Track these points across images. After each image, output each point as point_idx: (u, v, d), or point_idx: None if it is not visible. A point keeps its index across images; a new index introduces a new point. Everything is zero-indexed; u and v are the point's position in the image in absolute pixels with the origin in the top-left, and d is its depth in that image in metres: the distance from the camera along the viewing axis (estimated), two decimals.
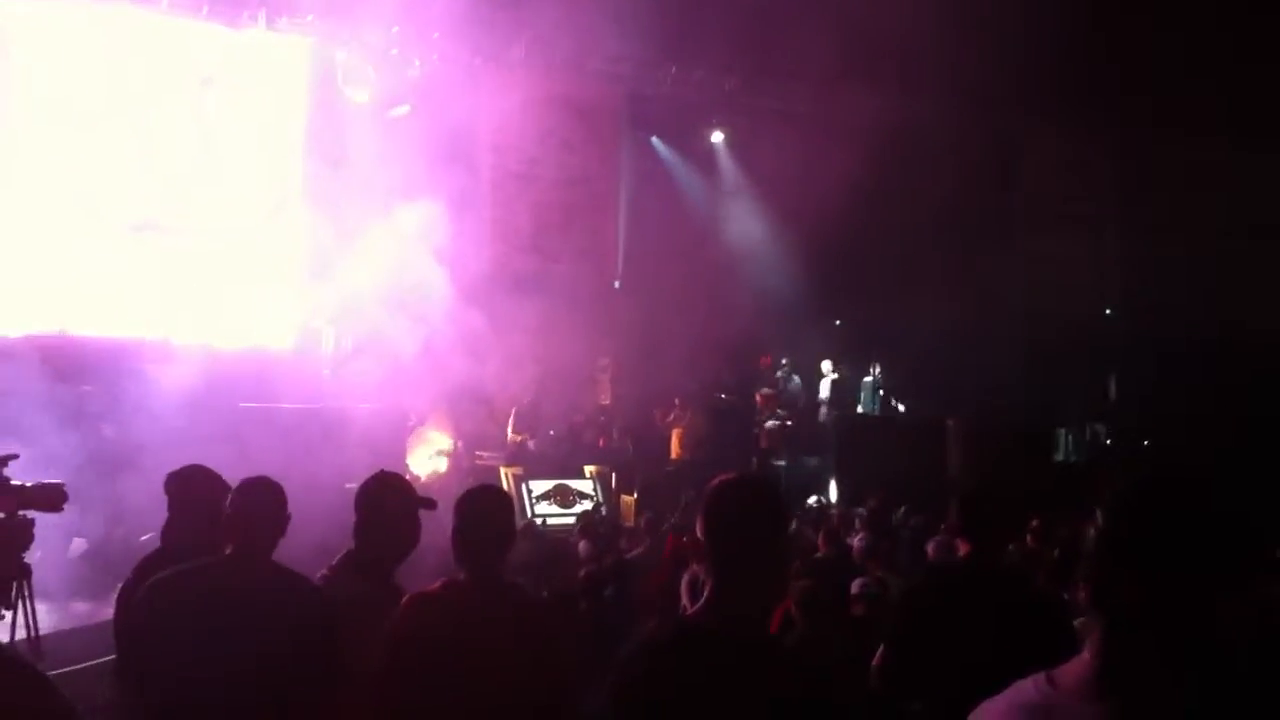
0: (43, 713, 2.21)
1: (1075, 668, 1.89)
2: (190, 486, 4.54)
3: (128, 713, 3.66)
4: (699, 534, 2.69)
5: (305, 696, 3.68)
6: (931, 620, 4.18)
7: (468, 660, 3.45)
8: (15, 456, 5.09)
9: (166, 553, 4.51)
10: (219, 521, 3.90)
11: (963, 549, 4.39)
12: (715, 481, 2.73)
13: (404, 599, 3.65)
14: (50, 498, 5.04)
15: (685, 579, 5.33)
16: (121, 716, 3.67)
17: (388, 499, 4.11)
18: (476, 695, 3.41)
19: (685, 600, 5.28)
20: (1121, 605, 1.85)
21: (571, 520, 13.26)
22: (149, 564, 4.53)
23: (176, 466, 4.50)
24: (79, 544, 9.04)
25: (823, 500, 15.12)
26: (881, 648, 4.42)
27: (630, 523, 13.49)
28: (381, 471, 4.24)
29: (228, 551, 3.84)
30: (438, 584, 3.65)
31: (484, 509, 3.75)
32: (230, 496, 3.93)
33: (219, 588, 3.72)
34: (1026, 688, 1.91)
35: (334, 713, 3.66)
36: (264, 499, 3.93)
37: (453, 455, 15.05)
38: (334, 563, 4.13)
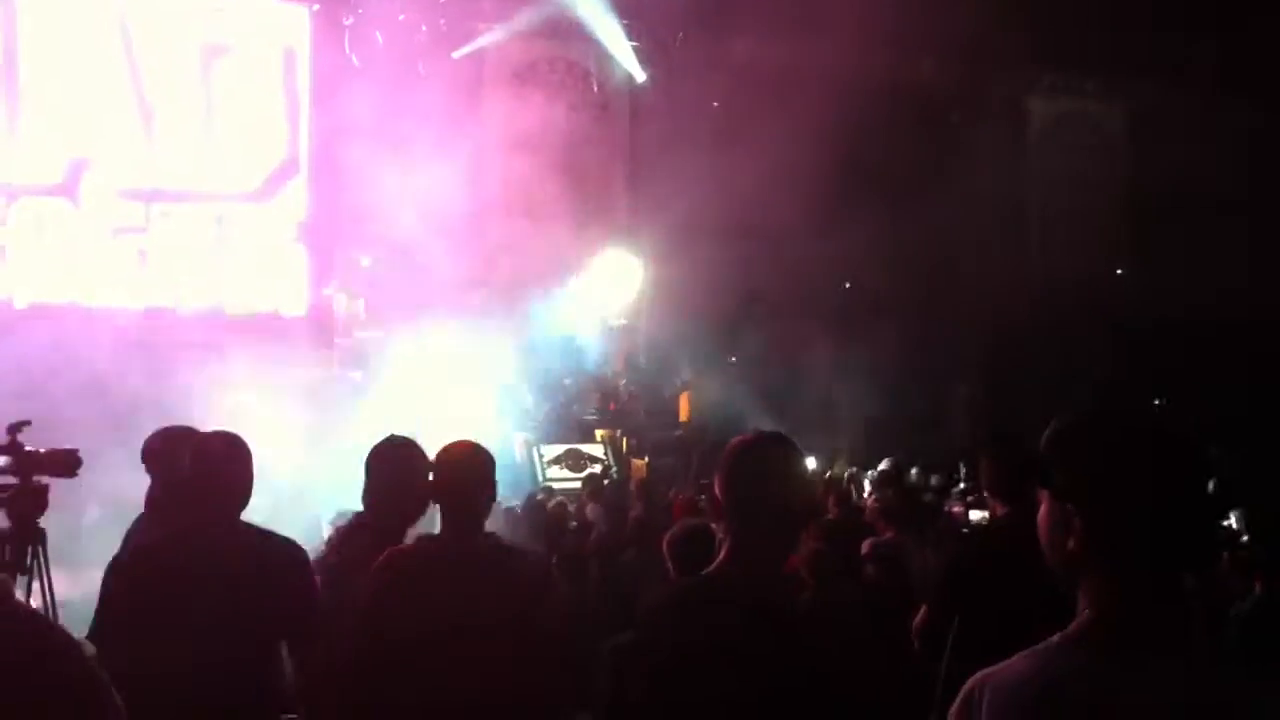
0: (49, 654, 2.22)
1: (1083, 630, 1.88)
2: (167, 450, 4.54)
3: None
4: (717, 492, 2.69)
5: (291, 655, 3.72)
6: (981, 581, 4.18)
7: (444, 611, 3.44)
8: (28, 423, 5.09)
9: (154, 519, 4.53)
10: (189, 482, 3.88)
11: (999, 510, 4.39)
12: (736, 440, 2.74)
13: (381, 555, 3.63)
14: (64, 463, 5.05)
15: (665, 539, 5.27)
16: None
17: (397, 463, 4.11)
18: (456, 645, 3.39)
19: (669, 562, 5.23)
20: (1127, 566, 1.85)
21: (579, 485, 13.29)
22: (135, 531, 4.55)
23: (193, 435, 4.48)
24: (93, 511, 9.07)
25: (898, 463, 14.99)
26: (924, 609, 4.43)
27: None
28: (391, 436, 4.23)
29: (197, 514, 3.80)
30: (415, 539, 3.65)
31: (461, 461, 3.72)
32: (189, 457, 3.90)
33: (198, 554, 3.72)
34: (1045, 653, 1.89)
35: (320, 673, 3.68)
36: (228, 455, 3.88)
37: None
38: (342, 526, 4.14)
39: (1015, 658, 1.91)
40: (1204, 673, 1.80)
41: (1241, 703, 1.77)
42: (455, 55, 16.21)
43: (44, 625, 2.31)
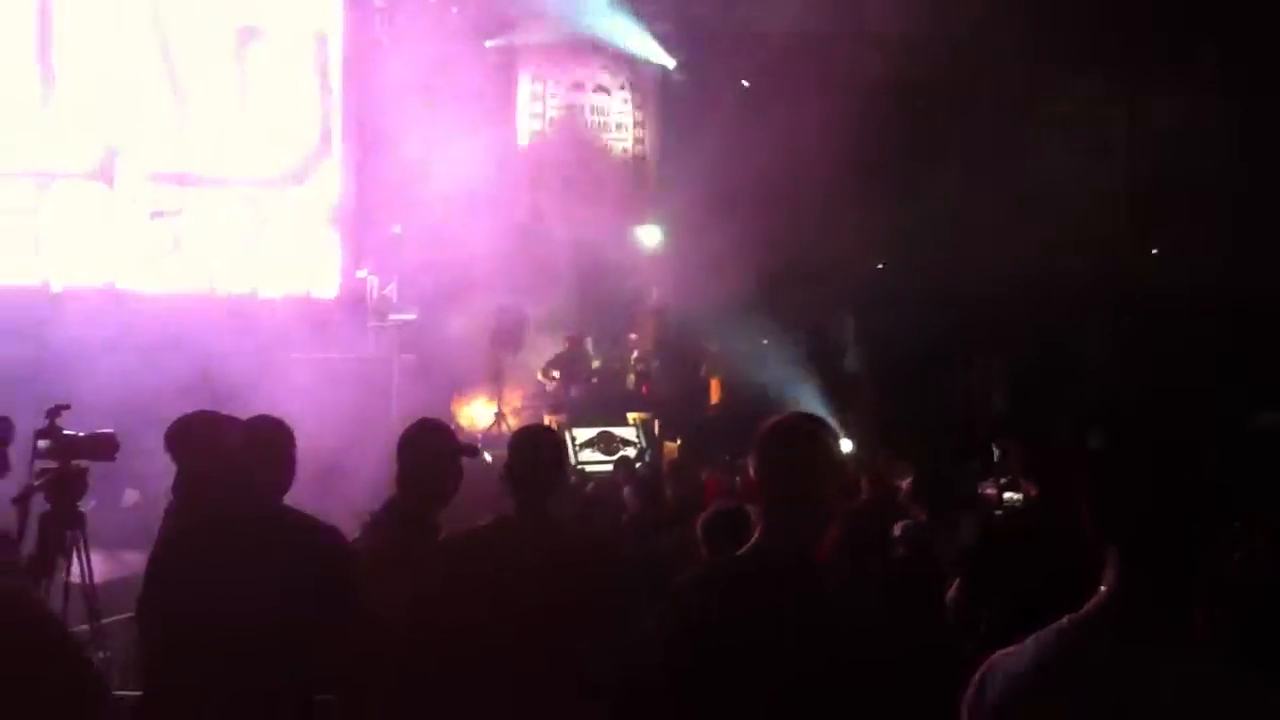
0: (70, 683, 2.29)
1: (1101, 608, 1.92)
2: (193, 434, 4.58)
3: (146, 657, 3.75)
4: (751, 473, 2.71)
5: (327, 638, 3.78)
6: (1003, 558, 4.26)
7: (510, 593, 3.49)
8: (67, 407, 5.17)
9: (180, 505, 4.58)
10: (229, 467, 3.93)
11: (1032, 491, 4.45)
12: (769, 421, 2.74)
13: (451, 533, 3.68)
14: (102, 447, 5.12)
15: (699, 521, 5.30)
16: (141, 659, 3.76)
17: (428, 446, 4.15)
18: (518, 626, 3.44)
19: (702, 543, 5.27)
20: (1146, 547, 1.88)
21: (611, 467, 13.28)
22: (170, 515, 4.61)
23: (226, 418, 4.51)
24: (131, 494, 9.18)
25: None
26: (957, 580, 4.49)
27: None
28: (423, 419, 4.27)
29: (238, 496, 3.87)
30: (487, 520, 3.70)
31: (532, 446, 3.79)
32: (236, 438, 3.95)
33: (239, 538, 3.77)
34: (1050, 636, 1.93)
35: (356, 655, 3.74)
36: (271, 439, 3.94)
37: (500, 410, 15.15)
38: (376, 510, 4.18)
39: (1025, 641, 1.94)
40: (1203, 670, 1.83)
41: (1240, 700, 1.79)
42: (488, 44, 16.22)
43: (42, 624, 2.37)
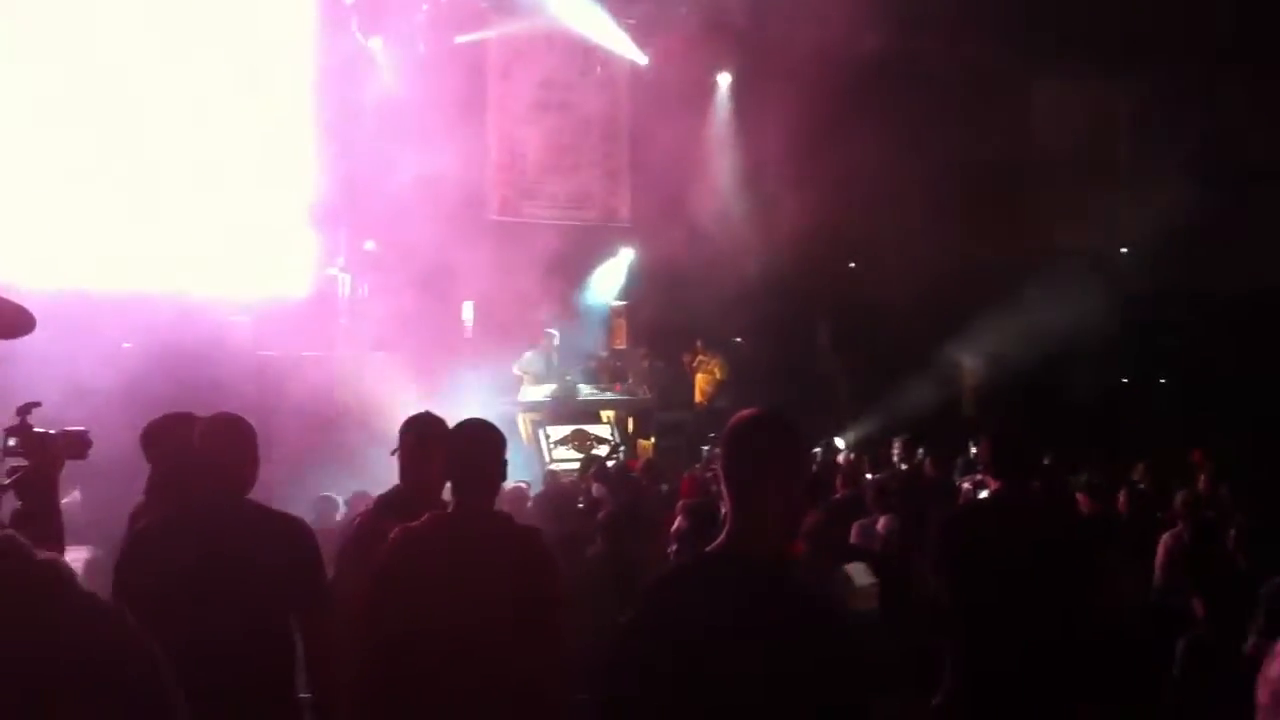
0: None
1: None
2: (167, 434, 4.57)
3: None
4: (719, 469, 2.70)
5: (303, 630, 3.83)
6: (967, 549, 4.34)
7: (454, 589, 3.48)
8: (38, 404, 5.13)
9: (152, 503, 4.56)
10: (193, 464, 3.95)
11: (992, 485, 4.53)
12: (735, 417, 2.73)
13: (392, 533, 3.66)
14: (75, 445, 5.09)
15: (675, 526, 5.35)
16: None
17: (421, 437, 4.17)
18: (464, 622, 3.42)
19: (673, 541, 5.31)
20: None
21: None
22: (139, 514, 4.59)
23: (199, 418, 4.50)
24: (74, 494, 9.02)
25: (833, 444, 15.11)
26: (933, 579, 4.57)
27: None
28: (426, 411, 4.30)
29: (203, 493, 3.90)
30: (424, 517, 3.66)
31: (473, 439, 3.75)
32: (197, 436, 3.96)
33: (207, 531, 3.78)
34: None
35: (333, 645, 3.74)
36: (233, 435, 3.96)
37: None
38: (374, 500, 4.21)
39: None
40: None
41: None
42: (459, 40, 16.19)
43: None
